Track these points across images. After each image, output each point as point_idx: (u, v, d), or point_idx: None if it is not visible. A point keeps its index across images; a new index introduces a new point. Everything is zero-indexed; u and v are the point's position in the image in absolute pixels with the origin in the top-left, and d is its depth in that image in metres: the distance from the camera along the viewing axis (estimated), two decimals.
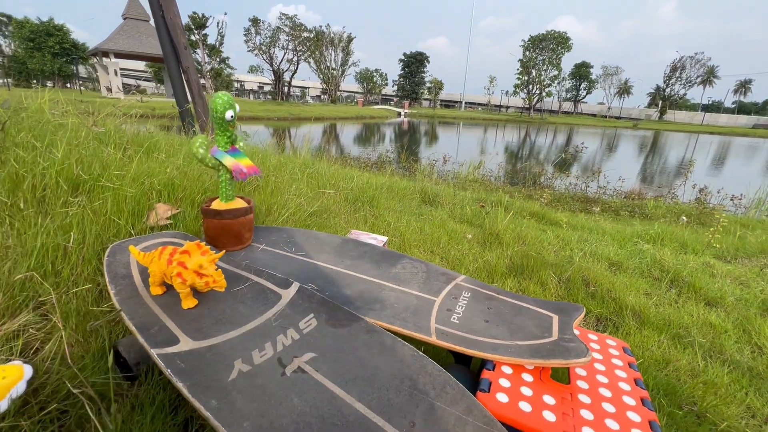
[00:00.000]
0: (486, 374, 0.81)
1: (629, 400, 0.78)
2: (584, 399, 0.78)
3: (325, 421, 0.65)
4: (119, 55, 23.74)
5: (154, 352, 0.73)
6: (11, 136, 1.56)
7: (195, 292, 0.93)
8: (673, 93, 59.70)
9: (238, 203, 1.26)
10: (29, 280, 0.89)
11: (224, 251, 0.95)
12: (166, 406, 0.83)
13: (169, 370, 0.69)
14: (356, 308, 0.99)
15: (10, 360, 0.74)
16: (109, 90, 23.19)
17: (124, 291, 0.91)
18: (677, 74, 57.81)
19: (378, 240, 1.48)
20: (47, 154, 1.32)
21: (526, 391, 0.78)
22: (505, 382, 0.79)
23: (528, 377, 0.82)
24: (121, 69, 24.98)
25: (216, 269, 0.87)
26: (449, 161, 8.63)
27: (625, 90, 65.22)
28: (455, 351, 0.88)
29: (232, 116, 1.11)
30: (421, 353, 0.81)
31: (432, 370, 0.77)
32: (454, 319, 0.98)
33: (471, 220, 3.06)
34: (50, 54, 28.54)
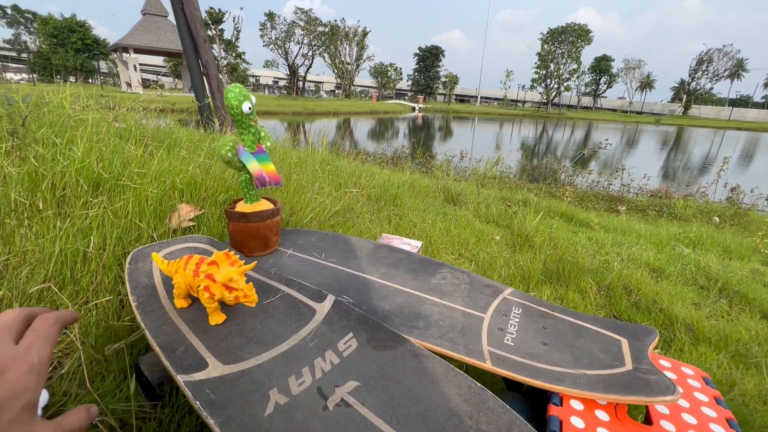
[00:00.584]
0: (554, 410, 0.71)
1: None
2: None
3: None
4: (138, 50, 24.12)
5: (181, 380, 0.65)
6: (32, 132, 1.51)
7: (222, 304, 0.85)
8: (698, 87, 57.55)
9: (264, 205, 1.18)
10: (46, 290, 0.82)
11: (255, 263, 0.85)
12: None
13: (197, 403, 0.61)
14: (398, 326, 0.89)
15: None
16: (129, 85, 23.59)
17: (146, 303, 0.83)
18: (704, 67, 55.65)
19: (412, 245, 1.38)
20: (67, 152, 1.25)
21: None
22: (578, 422, 0.68)
23: (604, 415, 0.71)
24: (140, 64, 25.39)
25: (246, 282, 0.78)
26: (466, 157, 8.45)
27: (647, 84, 63.18)
28: (514, 380, 0.78)
29: (250, 108, 1.01)
30: (479, 384, 0.70)
31: (494, 406, 0.67)
32: (507, 340, 0.87)
33: (497, 221, 2.93)
34: (73, 50, 29.22)
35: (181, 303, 0.84)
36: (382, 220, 2.32)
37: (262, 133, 1.12)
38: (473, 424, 0.64)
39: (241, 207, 1.17)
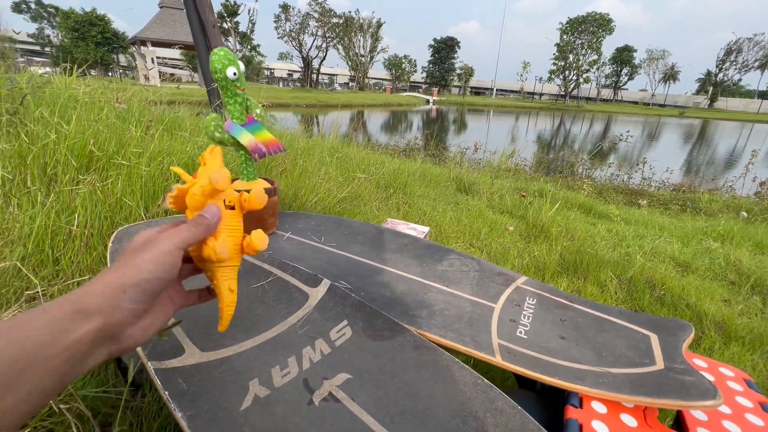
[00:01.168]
0: (573, 413, 0.62)
1: None
2: None
3: None
4: (156, 43, 24.41)
5: (151, 366, 0.58)
6: (31, 111, 1.47)
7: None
8: (726, 78, 55.16)
9: (261, 184, 1.11)
10: (14, 269, 0.77)
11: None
12: (172, 426, 0.69)
13: (166, 393, 0.54)
14: (398, 314, 0.81)
15: None
16: (147, 78, 23.94)
17: None
18: (732, 57, 53.24)
19: (418, 231, 1.29)
20: (59, 129, 1.21)
21: None
22: (601, 427, 0.59)
23: (631, 420, 0.61)
24: (157, 57, 25.72)
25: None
26: (480, 149, 8.26)
27: (671, 76, 60.97)
28: (527, 377, 0.69)
29: (235, 74, 0.93)
30: (487, 381, 0.62)
31: (503, 406, 0.58)
32: (520, 333, 0.78)
33: (511, 211, 2.81)
34: (93, 43, 29.80)
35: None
36: (390, 207, 2.24)
37: (251, 102, 1.04)
38: (479, 426, 0.56)
39: (237, 186, 1.10)
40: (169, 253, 0.38)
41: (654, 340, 0.76)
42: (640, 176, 7.50)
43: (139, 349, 0.62)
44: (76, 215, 0.93)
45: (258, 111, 1.10)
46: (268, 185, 1.14)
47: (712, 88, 56.91)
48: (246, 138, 1.03)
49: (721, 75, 55.34)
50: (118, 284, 0.33)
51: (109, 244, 0.87)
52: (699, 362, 0.79)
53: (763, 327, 1.53)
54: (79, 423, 0.61)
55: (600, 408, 0.63)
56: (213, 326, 0.70)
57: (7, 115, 1.37)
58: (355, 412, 0.56)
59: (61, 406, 0.60)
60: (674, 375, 0.65)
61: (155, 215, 1.13)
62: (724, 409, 0.67)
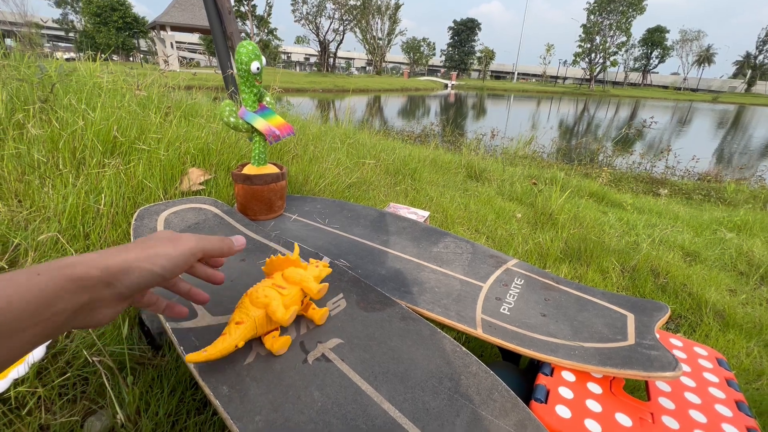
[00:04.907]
0: (542, 380, 0.68)
1: (731, 430, 0.61)
2: (671, 423, 0.62)
3: (348, 422, 0.55)
4: (175, 28, 24.67)
5: (169, 327, 0.67)
6: (60, 98, 1.58)
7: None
8: (766, 61, 51.84)
9: (270, 169, 1.18)
10: (54, 241, 0.87)
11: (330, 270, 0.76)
12: (187, 381, 0.79)
13: (181, 348, 0.63)
14: (391, 290, 0.88)
15: None
16: (167, 63, 24.33)
17: None
18: None
19: (419, 215, 1.35)
20: (87, 116, 1.31)
21: (594, 405, 0.63)
22: (566, 392, 0.65)
23: (596, 388, 0.67)
24: (176, 42, 26.02)
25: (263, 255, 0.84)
26: (497, 135, 8.15)
27: (706, 58, 57.69)
28: (505, 348, 0.75)
29: (258, 68, 1.00)
30: (464, 349, 0.69)
31: (477, 370, 0.65)
32: (504, 309, 0.84)
33: (521, 198, 2.82)
34: (114, 28, 30.31)
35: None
36: (398, 193, 2.30)
37: (262, 91, 1.11)
38: (452, 385, 0.62)
39: (248, 170, 1.18)
40: (184, 255, 0.40)
41: (630, 319, 0.81)
42: (663, 165, 7.27)
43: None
44: (102, 195, 1.03)
45: (268, 99, 1.16)
46: (277, 170, 1.21)
47: (750, 71, 53.68)
48: (260, 123, 1.10)
49: (761, 57, 52.06)
50: (123, 266, 0.33)
51: (132, 222, 0.96)
52: (674, 341, 0.83)
53: (765, 316, 1.54)
54: (108, 374, 0.71)
55: (569, 377, 0.69)
56: (222, 295, 0.78)
57: (39, 102, 1.48)
58: (343, 370, 0.64)
59: (94, 359, 0.70)
60: (642, 350, 0.70)
61: (173, 196, 1.22)
62: (689, 382, 0.71)
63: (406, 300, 0.85)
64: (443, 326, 0.83)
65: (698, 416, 0.64)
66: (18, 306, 0.25)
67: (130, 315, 0.88)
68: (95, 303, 0.31)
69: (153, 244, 0.38)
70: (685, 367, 0.74)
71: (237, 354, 0.64)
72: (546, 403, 0.63)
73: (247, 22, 34.83)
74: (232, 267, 0.89)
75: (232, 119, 1.07)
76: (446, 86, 41.31)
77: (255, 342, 0.67)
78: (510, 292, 0.91)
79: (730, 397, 0.69)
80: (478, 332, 0.77)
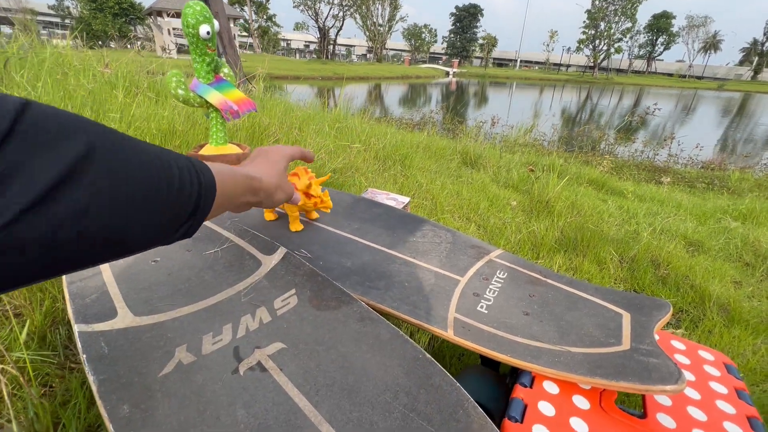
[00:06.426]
0: (520, 392, 0.57)
1: None
2: None
3: None
4: (172, 14, 24.17)
5: (76, 329, 0.56)
6: (11, 76, 1.45)
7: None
8: None
9: (231, 149, 1.07)
10: None
11: (330, 174, 0.94)
12: None
13: (84, 356, 0.52)
14: (353, 285, 0.77)
15: None
16: (164, 50, 23.92)
17: None
18: None
19: (398, 201, 1.24)
20: (31, 93, 1.18)
21: (580, 425, 0.53)
22: (547, 408, 0.55)
23: (583, 402, 0.57)
24: (173, 29, 25.55)
25: (323, 191, 0.88)
26: (498, 123, 7.96)
27: (712, 45, 56.66)
28: (480, 353, 0.64)
29: (208, 32, 0.88)
30: (428, 356, 0.58)
31: (440, 382, 0.54)
32: (481, 307, 0.74)
33: (517, 186, 2.70)
34: (111, 15, 29.77)
35: (269, 216, 0.98)
36: (387, 180, 2.18)
37: (219, 61, 0.99)
38: (409, 402, 0.52)
39: (205, 150, 1.06)
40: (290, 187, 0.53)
41: (626, 318, 0.70)
42: (666, 153, 7.11)
43: (69, 310, 0.60)
44: None
45: (225, 70, 1.04)
46: (240, 150, 1.09)
47: (757, 58, 52.72)
48: (215, 97, 0.98)
49: None
50: (274, 188, 0.47)
51: None
52: (677, 344, 0.73)
53: None
54: (10, 384, 0.60)
55: (552, 389, 0.59)
56: (153, 291, 0.68)
57: None
58: (280, 382, 0.53)
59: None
60: (638, 356, 0.60)
61: None
62: (694, 394, 0.61)
63: (370, 296, 0.74)
64: (418, 328, 0.73)
65: None
66: (233, 189, 0.38)
67: (46, 317, 0.78)
68: (259, 205, 0.46)
69: (282, 172, 0.50)
70: (689, 376, 0.64)
71: (152, 364, 0.53)
72: (522, 422, 0.53)
73: (245, 8, 34.17)
74: (175, 258, 0.78)
75: (180, 91, 0.95)
76: (447, 74, 40.68)
77: (178, 347, 0.57)
78: (490, 287, 0.80)
79: (741, 411, 0.58)
80: (449, 334, 0.66)
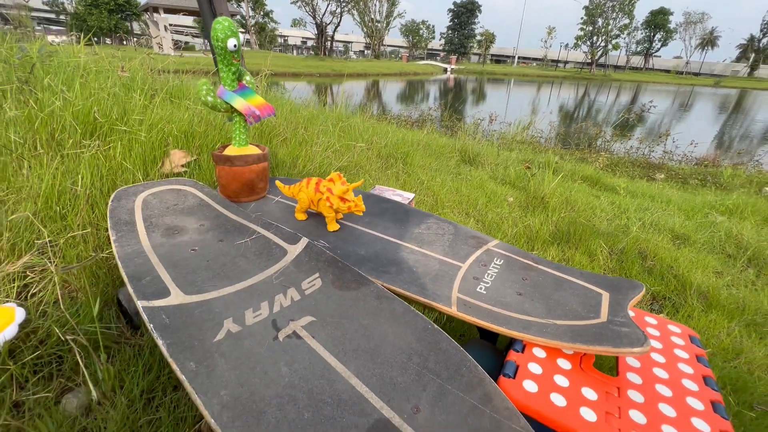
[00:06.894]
0: (513, 356, 0.68)
1: (695, 403, 0.62)
2: (636, 397, 0.63)
3: (314, 396, 0.56)
4: (168, 10, 24.05)
5: (140, 304, 0.67)
6: (40, 79, 1.54)
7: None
8: None
9: (251, 150, 1.17)
10: (27, 222, 0.86)
11: (362, 180, 1.08)
12: (164, 359, 0.79)
13: (151, 325, 0.63)
14: (368, 270, 0.88)
15: (6, 302, 0.71)
16: (161, 46, 23.82)
17: (124, 237, 0.86)
18: None
19: (404, 197, 1.34)
20: (64, 96, 1.28)
21: (562, 380, 0.64)
22: (535, 368, 0.66)
23: (565, 364, 0.68)
24: (170, 25, 25.41)
25: (356, 196, 1.02)
26: (496, 120, 8.05)
27: (709, 41, 56.69)
28: (479, 326, 0.75)
29: (235, 45, 0.98)
30: (436, 326, 0.69)
31: (447, 346, 0.65)
32: (480, 289, 0.85)
33: (514, 182, 2.81)
34: (106, 11, 29.57)
35: (301, 216, 1.10)
36: (389, 177, 2.28)
37: (242, 70, 1.09)
38: (421, 361, 0.63)
39: (228, 151, 1.16)
40: None
41: (605, 297, 0.81)
42: (662, 150, 7.23)
43: (130, 289, 0.71)
44: (80, 177, 1.01)
45: (248, 78, 1.14)
46: (259, 151, 1.20)
47: (753, 54, 52.92)
48: (239, 103, 1.08)
49: (765, 40, 51.24)
50: None
51: (109, 203, 0.95)
52: (650, 319, 0.84)
53: (749, 298, 1.55)
54: (83, 352, 0.71)
55: (540, 353, 0.70)
56: (196, 275, 0.78)
57: (19, 83, 1.45)
58: (313, 347, 0.64)
59: (68, 337, 0.70)
60: (613, 327, 0.71)
61: (154, 178, 1.21)
62: (659, 358, 0.72)
63: (383, 279, 0.85)
64: (420, 306, 0.84)
65: (664, 390, 0.65)
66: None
67: (108, 295, 0.89)
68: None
69: None
70: (656, 344, 0.75)
71: (207, 332, 0.64)
72: (514, 378, 0.64)
73: (243, 4, 34.00)
74: (210, 247, 0.88)
75: (209, 98, 1.05)
76: (445, 71, 40.66)
77: (226, 319, 0.68)
78: (488, 272, 0.91)
79: (698, 372, 0.70)
80: (453, 310, 0.77)
